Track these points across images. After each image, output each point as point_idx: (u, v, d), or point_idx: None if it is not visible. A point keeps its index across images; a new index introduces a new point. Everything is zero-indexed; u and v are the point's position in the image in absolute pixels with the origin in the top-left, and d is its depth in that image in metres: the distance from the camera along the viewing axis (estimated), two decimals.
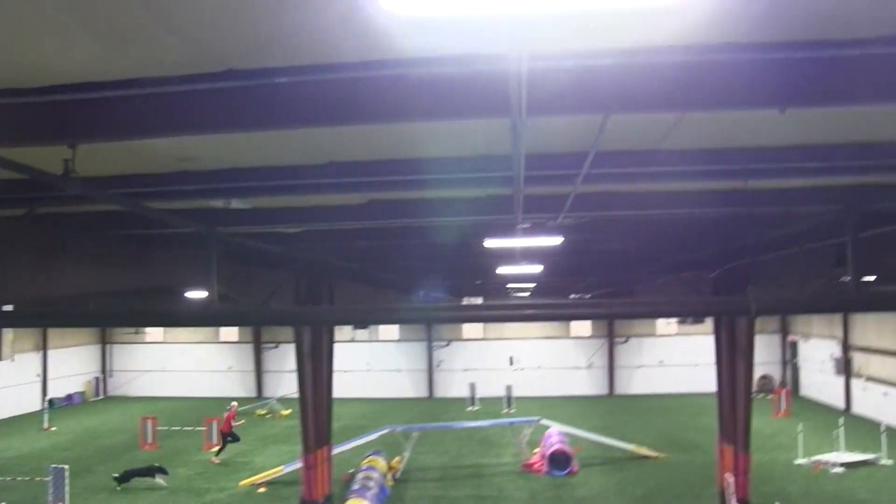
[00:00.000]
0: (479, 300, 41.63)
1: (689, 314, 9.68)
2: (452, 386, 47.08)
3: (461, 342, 47.88)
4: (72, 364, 46.77)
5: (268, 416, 39.53)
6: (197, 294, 20.74)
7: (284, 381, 46.93)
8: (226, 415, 29.24)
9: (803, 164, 7.47)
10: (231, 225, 10.31)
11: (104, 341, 49.73)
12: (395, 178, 7.68)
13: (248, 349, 48.70)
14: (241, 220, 10.06)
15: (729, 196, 9.73)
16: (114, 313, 12.21)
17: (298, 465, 21.14)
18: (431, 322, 44.15)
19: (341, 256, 15.61)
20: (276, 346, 48.13)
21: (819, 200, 9.89)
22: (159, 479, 24.13)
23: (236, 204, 8.69)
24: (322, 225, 11.69)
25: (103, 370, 49.72)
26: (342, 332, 46.10)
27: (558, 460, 25.52)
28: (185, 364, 48.81)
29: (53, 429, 35.80)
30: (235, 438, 28.90)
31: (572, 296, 36.31)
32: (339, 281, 21.34)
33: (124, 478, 24.04)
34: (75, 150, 6.14)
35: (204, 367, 48.83)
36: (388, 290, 27.34)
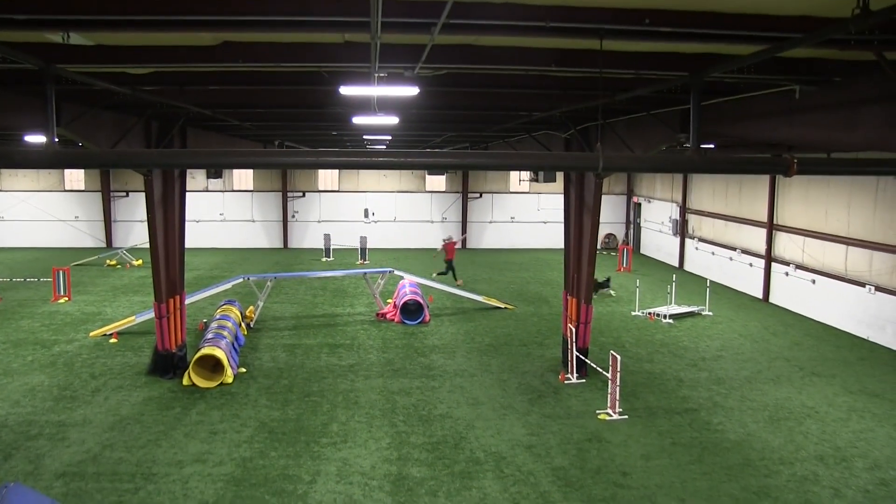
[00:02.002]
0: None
1: (540, 168, 9.97)
2: (307, 237, 47.27)
3: (316, 193, 47.62)
4: None
5: (118, 266, 38.54)
6: (37, 138, 19.66)
7: (135, 230, 45.85)
8: (447, 245, 33.59)
9: (656, 27, 7.63)
10: (72, 62, 9.66)
11: None
12: (250, 18, 7.33)
13: (96, 198, 46.73)
14: (82, 57, 9.43)
15: (583, 56, 9.89)
16: None
17: (151, 314, 20.90)
18: (286, 168, 43.73)
19: (193, 102, 14.99)
20: (127, 195, 46.54)
21: (667, 66, 10.23)
22: (610, 291, 31.65)
23: (76, 39, 8.13)
24: (172, 66, 11.12)
25: None
26: (195, 181, 45.09)
27: (411, 310, 26.35)
28: (25, 213, 46.49)
29: None
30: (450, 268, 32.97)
31: (428, 150, 36.52)
32: (192, 128, 20.61)
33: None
34: None
35: (47, 216, 46.63)
36: (242, 139, 26.67)
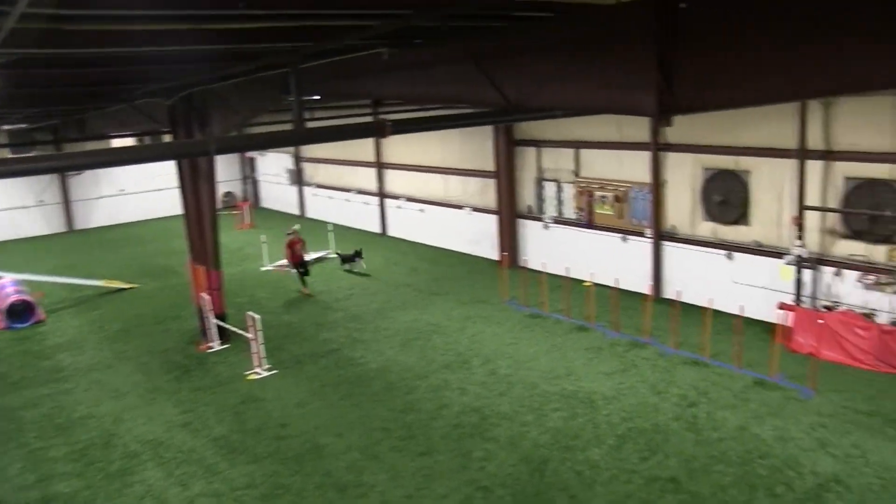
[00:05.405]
0: None
1: (158, 159, 9.78)
2: None
3: None
4: None
5: None
6: None
7: None
8: (292, 243, 25.31)
9: (254, 11, 7.66)
10: None
11: None
12: None
13: None
14: None
15: (178, 36, 9.63)
16: None
17: None
18: None
19: None
20: None
21: (268, 39, 10.36)
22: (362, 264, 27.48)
23: None
24: None
25: None
26: None
27: (19, 311, 23.78)
28: None
29: None
30: (306, 270, 25.28)
31: (6, 126, 33.37)
32: None
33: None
34: None
35: None
36: None
